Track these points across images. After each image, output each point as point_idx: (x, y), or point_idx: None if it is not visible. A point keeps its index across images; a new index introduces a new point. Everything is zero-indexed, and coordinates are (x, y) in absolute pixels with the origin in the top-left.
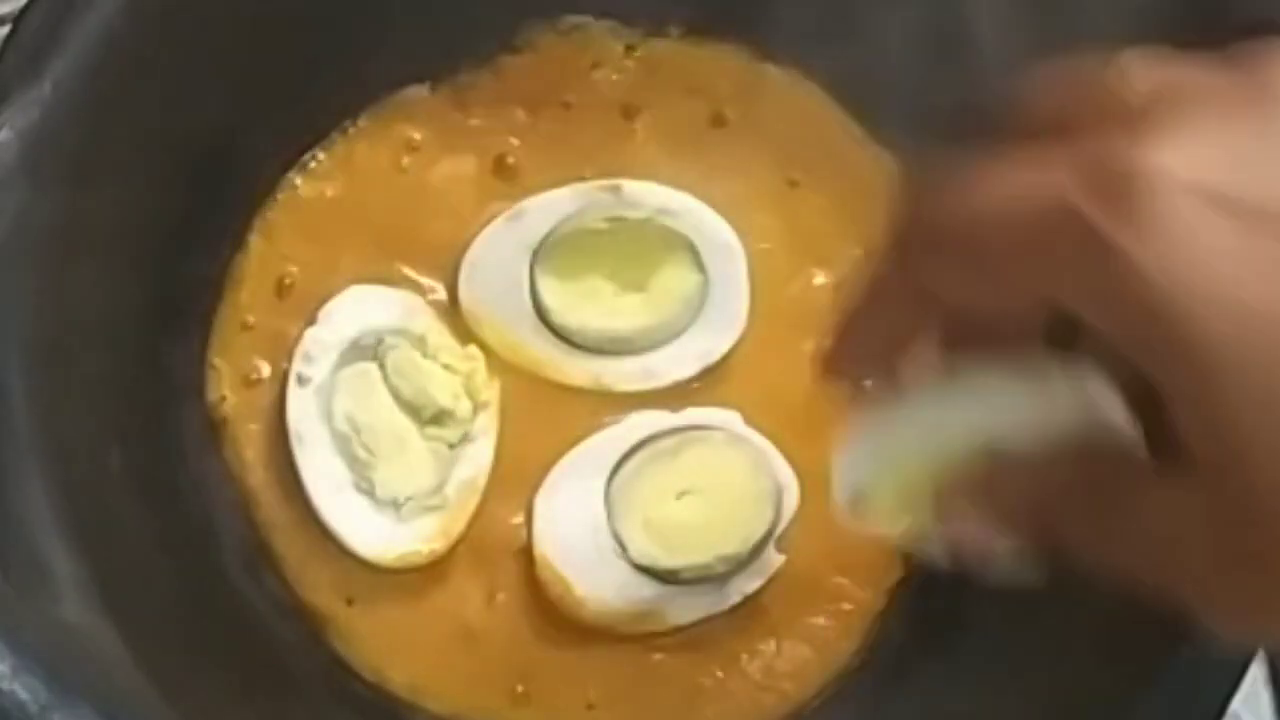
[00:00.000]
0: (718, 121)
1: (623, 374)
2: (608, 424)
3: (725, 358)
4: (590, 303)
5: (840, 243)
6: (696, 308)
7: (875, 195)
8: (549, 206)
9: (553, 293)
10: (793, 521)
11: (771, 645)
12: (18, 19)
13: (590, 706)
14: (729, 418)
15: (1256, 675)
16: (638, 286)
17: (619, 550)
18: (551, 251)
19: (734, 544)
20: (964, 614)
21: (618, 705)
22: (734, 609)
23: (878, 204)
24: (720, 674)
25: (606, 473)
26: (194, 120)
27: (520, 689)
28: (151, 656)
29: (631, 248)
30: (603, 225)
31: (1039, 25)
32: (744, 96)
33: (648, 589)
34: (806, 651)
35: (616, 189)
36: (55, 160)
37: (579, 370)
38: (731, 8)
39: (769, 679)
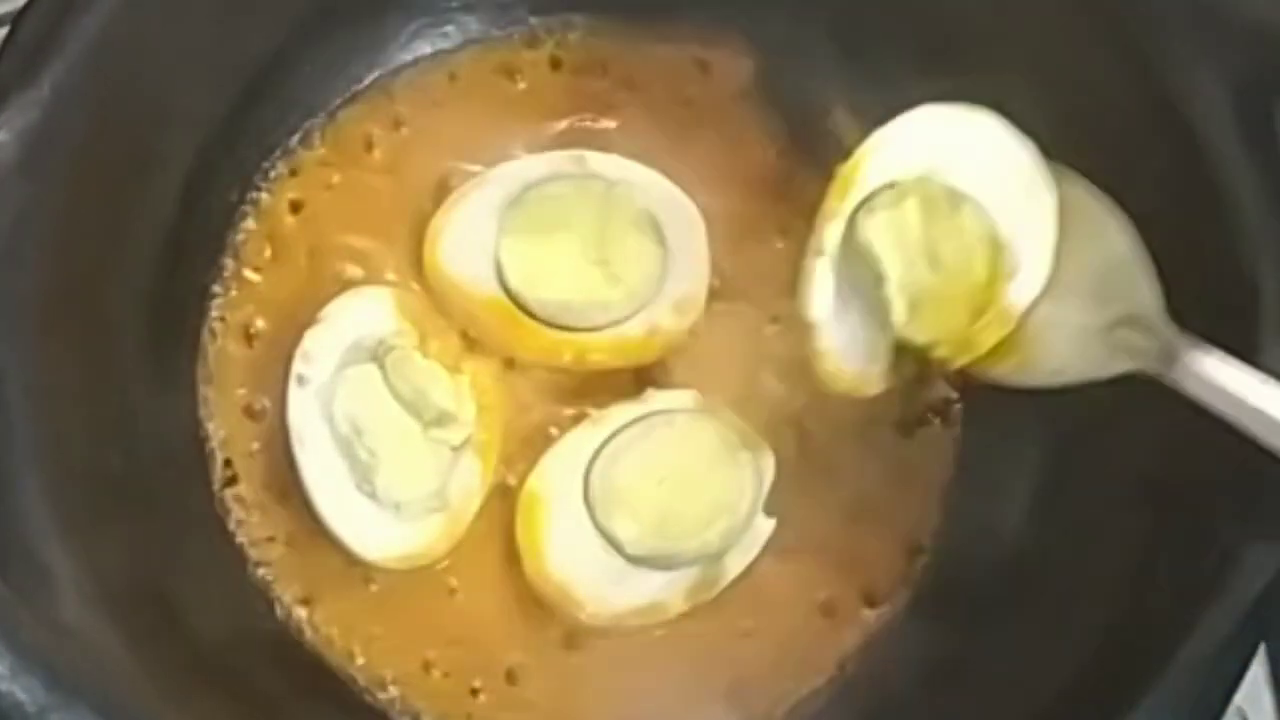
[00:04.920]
0: (708, 113)
1: (583, 346)
2: (574, 424)
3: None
4: (552, 273)
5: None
6: (656, 282)
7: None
8: (516, 172)
9: (515, 261)
10: (775, 485)
11: (776, 621)
12: (16, 20)
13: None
14: (686, 397)
15: (1258, 675)
16: (600, 259)
17: (611, 548)
18: (517, 218)
19: (726, 516)
20: (967, 612)
21: (618, 703)
22: (734, 587)
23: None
24: (726, 655)
25: (581, 474)
26: (191, 121)
27: (516, 690)
28: (150, 657)
29: (595, 219)
30: (568, 191)
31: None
32: (740, 94)
33: (646, 581)
34: (819, 622)
35: (582, 159)
36: (54, 161)
37: (539, 340)
38: (731, 8)
39: (780, 654)
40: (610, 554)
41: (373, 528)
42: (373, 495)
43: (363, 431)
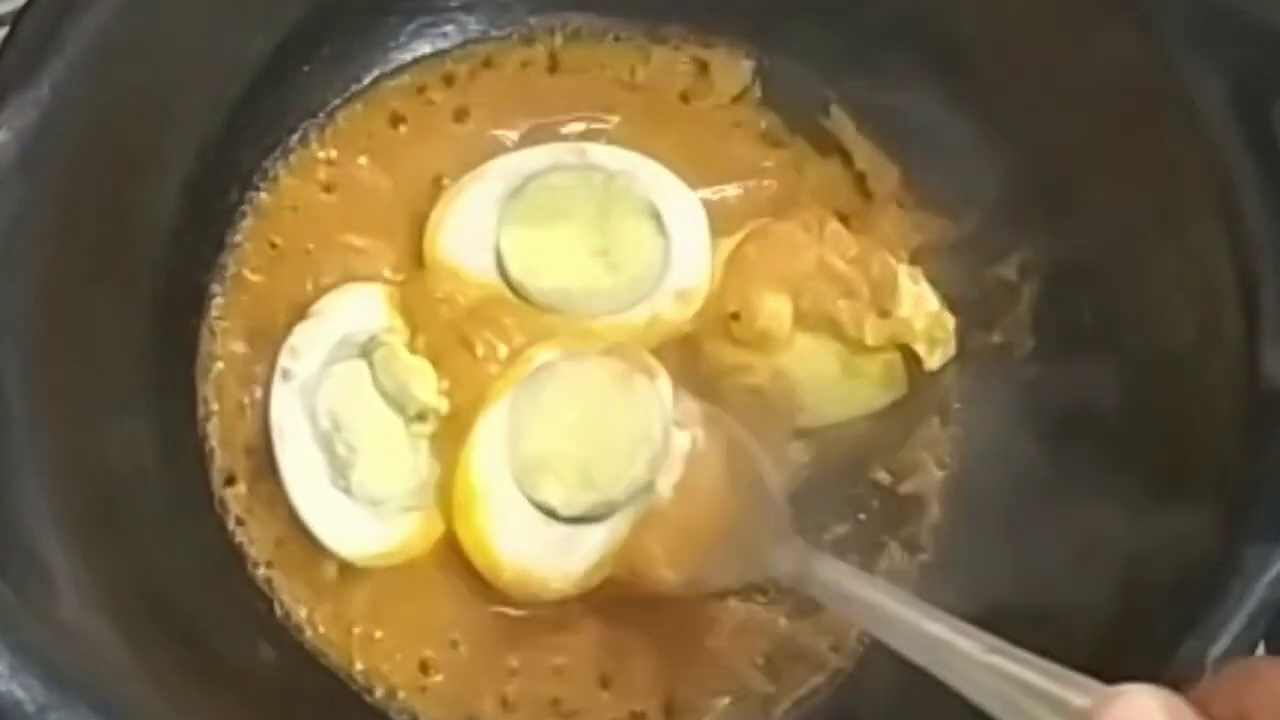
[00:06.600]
0: (708, 113)
1: (583, 335)
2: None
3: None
4: (553, 263)
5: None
6: (658, 272)
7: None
8: (518, 163)
9: (516, 251)
10: (678, 402)
11: (773, 619)
12: (16, 20)
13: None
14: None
15: None
16: (601, 249)
17: (550, 518)
18: (518, 208)
19: (645, 445)
20: (966, 613)
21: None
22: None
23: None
24: (724, 650)
25: (504, 456)
26: (191, 121)
27: (515, 688)
28: (150, 657)
29: (596, 208)
30: (569, 181)
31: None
32: (740, 94)
33: (593, 536)
34: (820, 621)
35: (582, 150)
36: (54, 161)
37: (537, 326)
38: (731, 9)
39: (776, 650)
40: (550, 524)
41: (347, 524)
42: (347, 491)
43: (342, 426)
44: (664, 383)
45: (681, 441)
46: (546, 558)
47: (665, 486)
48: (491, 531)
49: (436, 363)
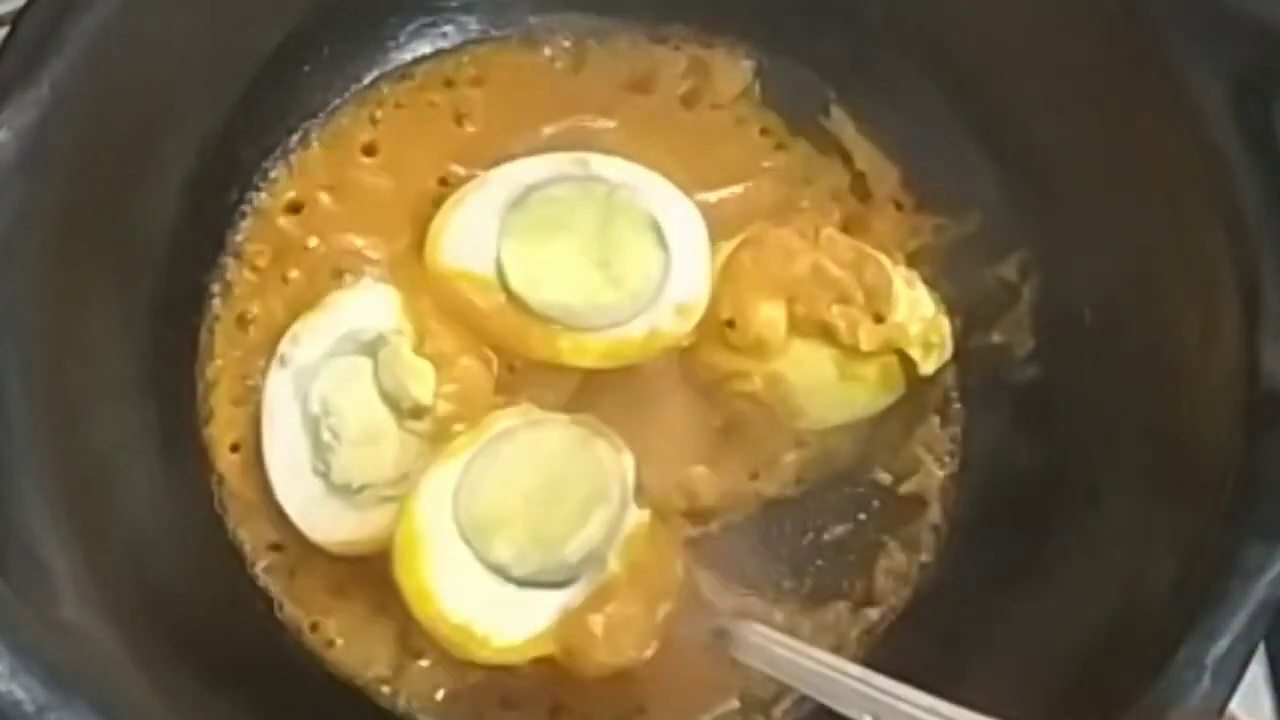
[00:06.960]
0: (708, 113)
1: (579, 347)
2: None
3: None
4: (554, 275)
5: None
6: (658, 285)
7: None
8: (518, 174)
9: (517, 262)
10: (639, 474)
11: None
12: (16, 20)
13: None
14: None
15: (1256, 675)
16: (602, 261)
17: (500, 576)
18: (519, 220)
19: (601, 506)
20: (963, 618)
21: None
22: None
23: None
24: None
25: (450, 510)
26: (191, 121)
27: (515, 686)
28: (149, 656)
29: (597, 221)
30: (570, 194)
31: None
32: (740, 94)
33: (543, 602)
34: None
35: (584, 162)
36: (54, 161)
37: (537, 338)
38: (732, 8)
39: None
40: (502, 584)
41: (321, 509)
42: (326, 476)
43: (331, 412)
44: (628, 457)
45: (640, 518)
46: (492, 615)
47: (615, 563)
48: (435, 580)
49: (439, 368)
